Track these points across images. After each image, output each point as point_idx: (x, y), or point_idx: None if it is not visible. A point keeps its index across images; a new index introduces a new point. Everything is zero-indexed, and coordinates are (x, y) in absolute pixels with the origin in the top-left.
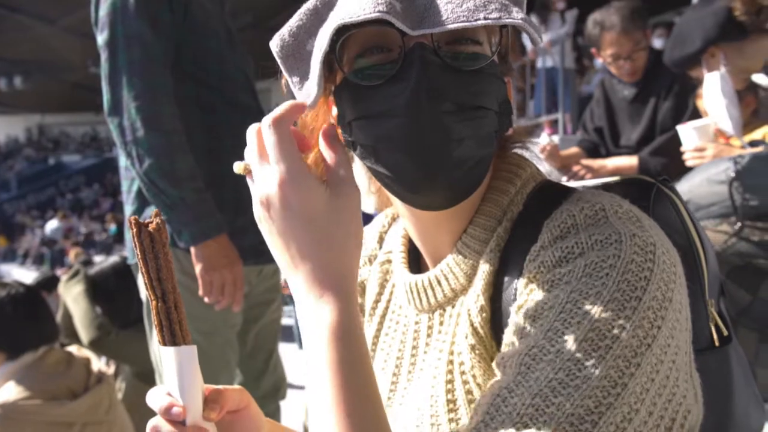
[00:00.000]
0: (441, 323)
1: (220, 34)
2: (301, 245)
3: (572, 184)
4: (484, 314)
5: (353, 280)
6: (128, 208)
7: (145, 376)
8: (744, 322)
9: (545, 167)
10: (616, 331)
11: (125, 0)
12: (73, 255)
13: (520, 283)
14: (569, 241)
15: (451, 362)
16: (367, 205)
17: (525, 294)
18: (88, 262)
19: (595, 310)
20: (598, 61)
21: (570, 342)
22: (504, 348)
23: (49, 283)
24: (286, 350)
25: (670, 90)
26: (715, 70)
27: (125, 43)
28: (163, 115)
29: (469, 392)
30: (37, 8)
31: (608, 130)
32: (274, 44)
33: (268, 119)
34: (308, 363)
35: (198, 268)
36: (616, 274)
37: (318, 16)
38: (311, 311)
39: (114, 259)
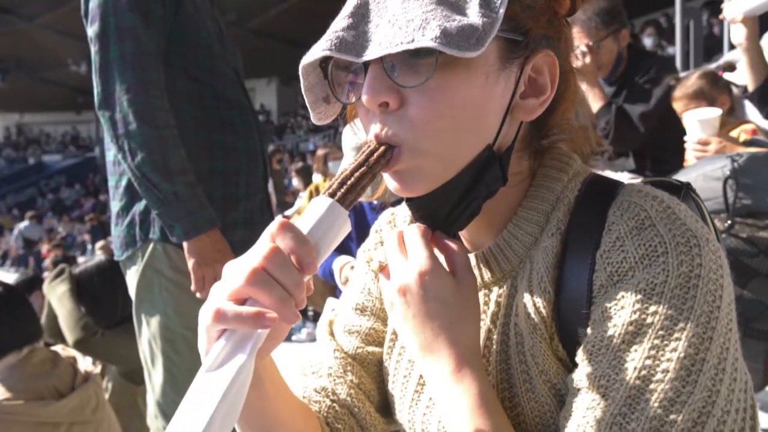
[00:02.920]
0: (486, 303)
1: (210, 29)
2: (435, 326)
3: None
4: (547, 295)
5: (480, 354)
6: (115, 204)
7: (132, 376)
8: None
9: None
10: (707, 343)
11: None
12: (50, 259)
13: (600, 277)
14: (648, 234)
15: (505, 342)
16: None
17: (613, 296)
18: (67, 259)
19: (691, 325)
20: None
21: (674, 360)
22: (591, 358)
23: (30, 284)
24: (279, 349)
25: (641, 78)
26: None
27: (117, 35)
28: (155, 108)
29: (525, 372)
30: (16, 4)
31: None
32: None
33: (413, 225)
34: (452, 430)
35: (191, 263)
36: (702, 284)
37: None
38: (452, 384)
39: (99, 257)
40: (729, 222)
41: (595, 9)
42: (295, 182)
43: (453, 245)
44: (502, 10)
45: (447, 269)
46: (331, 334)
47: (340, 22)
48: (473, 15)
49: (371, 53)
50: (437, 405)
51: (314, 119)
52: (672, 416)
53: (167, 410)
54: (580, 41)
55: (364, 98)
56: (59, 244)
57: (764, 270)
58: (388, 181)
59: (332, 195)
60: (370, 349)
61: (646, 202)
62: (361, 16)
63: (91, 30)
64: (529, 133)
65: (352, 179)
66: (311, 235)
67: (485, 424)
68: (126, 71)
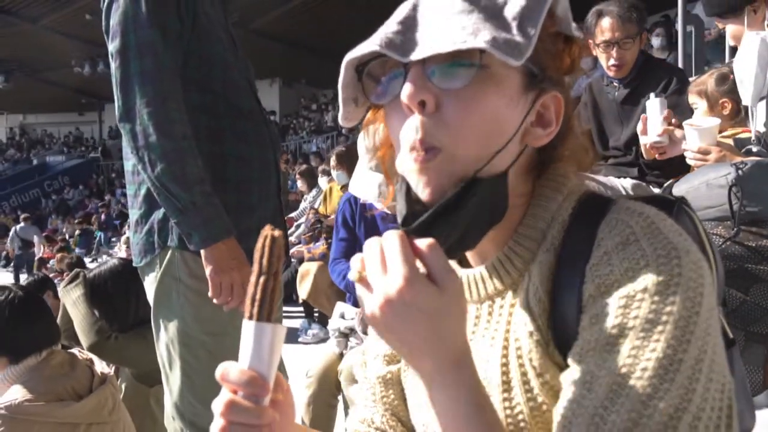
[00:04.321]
0: (490, 313)
1: (224, 41)
2: (424, 338)
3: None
4: (542, 304)
5: (468, 352)
6: (134, 212)
7: (145, 378)
8: (732, 322)
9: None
10: (684, 345)
11: (137, 9)
12: (58, 259)
13: (588, 288)
14: (632, 249)
15: (505, 347)
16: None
17: (599, 305)
18: (77, 263)
19: (669, 328)
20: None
21: (653, 359)
22: (579, 359)
23: (41, 286)
24: (286, 350)
25: (666, 89)
26: (756, 29)
27: (137, 51)
28: (174, 121)
29: (524, 374)
30: (20, 6)
31: (596, 133)
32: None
33: (393, 233)
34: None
35: (208, 270)
36: (681, 291)
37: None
38: (441, 389)
39: (113, 262)
40: (735, 229)
41: (630, 3)
42: (299, 184)
43: (425, 247)
44: (535, 37)
45: (426, 277)
46: (364, 363)
47: (389, 27)
48: (515, 35)
49: (419, 54)
50: (430, 409)
51: (341, 118)
52: (650, 410)
53: (185, 412)
54: (612, 34)
55: (404, 94)
56: (64, 247)
57: (767, 276)
58: (415, 179)
59: (250, 317)
60: (390, 368)
61: (632, 219)
62: (409, 26)
63: (112, 46)
64: (534, 160)
65: (258, 293)
66: (252, 364)
67: (477, 426)
68: (146, 85)
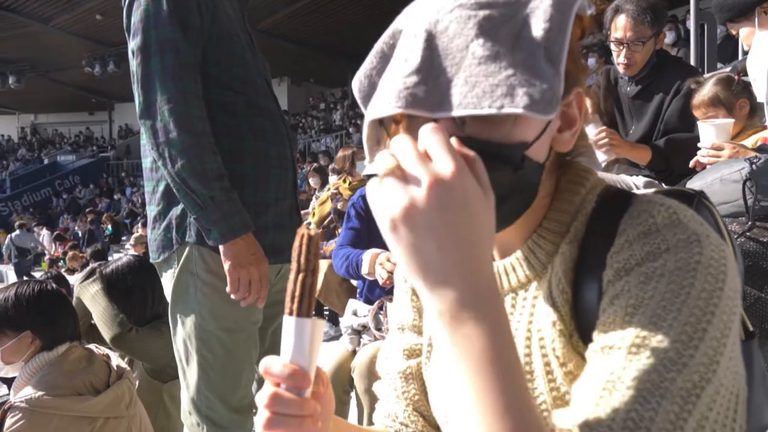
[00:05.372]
0: (513, 306)
1: (242, 39)
2: (464, 244)
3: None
4: (564, 295)
5: (498, 289)
6: (152, 209)
7: (159, 374)
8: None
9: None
10: (708, 317)
11: (158, 7)
12: (70, 257)
13: (608, 274)
14: (654, 238)
15: (528, 338)
16: None
17: (618, 285)
18: (98, 253)
19: (691, 300)
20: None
21: (675, 326)
22: (599, 333)
23: (56, 284)
24: None
25: (679, 90)
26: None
27: (158, 48)
28: (193, 117)
29: (547, 364)
30: (32, 7)
31: (607, 117)
32: (355, 88)
33: (429, 126)
34: (459, 372)
35: (227, 265)
36: (702, 268)
37: (385, 58)
38: (472, 320)
39: (128, 258)
40: (749, 224)
41: (649, 4)
42: (311, 182)
43: (471, 154)
44: (562, 68)
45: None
46: (386, 358)
47: (407, 77)
48: (546, 75)
49: (451, 112)
50: (441, 350)
51: (367, 164)
52: (671, 374)
53: (201, 406)
54: (623, 33)
55: None
56: (75, 245)
57: None
58: None
59: (290, 313)
60: (410, 362)
61: (654, 209)
62: (428, 73)
63: (133, 43)
64: (557, 158)
65: (297, 289)
66: (294, 358)
67: (500, 372)
68: (167, 82)
